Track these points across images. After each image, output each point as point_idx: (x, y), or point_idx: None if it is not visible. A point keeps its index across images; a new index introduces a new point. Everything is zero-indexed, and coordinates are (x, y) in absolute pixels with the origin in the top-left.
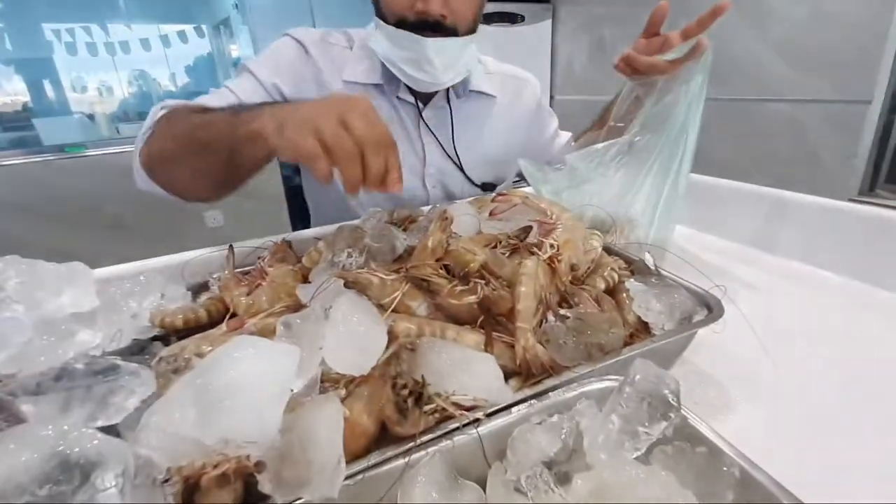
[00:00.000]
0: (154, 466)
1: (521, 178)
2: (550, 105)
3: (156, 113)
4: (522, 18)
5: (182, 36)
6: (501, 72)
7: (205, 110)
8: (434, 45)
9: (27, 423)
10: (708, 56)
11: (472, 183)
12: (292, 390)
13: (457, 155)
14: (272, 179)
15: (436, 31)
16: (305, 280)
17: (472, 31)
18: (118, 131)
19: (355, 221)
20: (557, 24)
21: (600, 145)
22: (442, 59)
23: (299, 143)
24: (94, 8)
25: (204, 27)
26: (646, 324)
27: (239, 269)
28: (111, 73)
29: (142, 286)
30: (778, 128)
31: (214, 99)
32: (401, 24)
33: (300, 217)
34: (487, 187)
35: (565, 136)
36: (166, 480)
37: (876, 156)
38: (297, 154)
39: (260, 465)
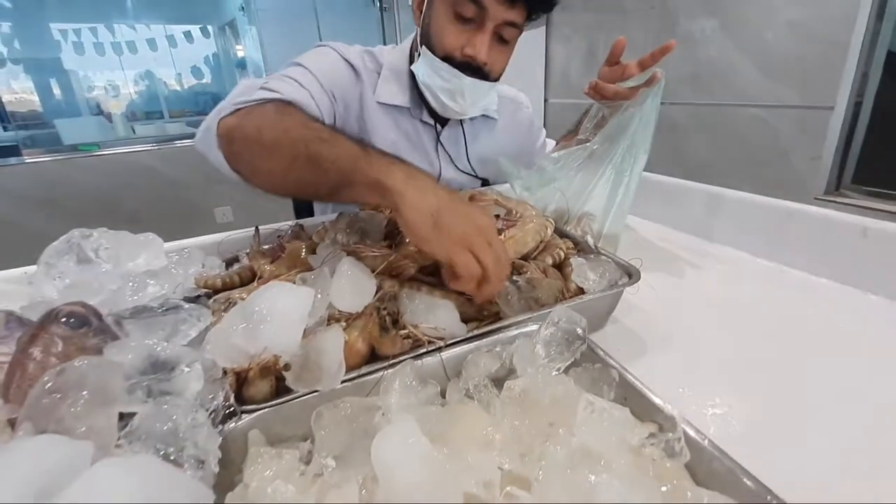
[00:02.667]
0: (216, 367)
1: None
2: (544, 108)
3: (251, 89)
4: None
5: (188, 36)
6: (502, 95)
7: (325, 124)
8: (471, 83)
9: (123, 339)
10: (661, 85)
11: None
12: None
13: (471, 167)
14: None
15: (476, 74)
16: (314, 253)
17: (497, 79)
18: (134, 131)
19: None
20: (552, 30)
21: (565, 151)
22: (472, 96)
23: (456, 257)
24: (101, 8)
25: (210, 28)
26: (582, 290)
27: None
28: (118, 73)
29: (186, 258)
30: (752, 131)
31: (284, 87)
32: (446, 59)
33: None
34: (484, 183)
35: (550, 143)
36: (224, 375)
37: (841, 158)
38: (450, 261)
39: (287, 366)
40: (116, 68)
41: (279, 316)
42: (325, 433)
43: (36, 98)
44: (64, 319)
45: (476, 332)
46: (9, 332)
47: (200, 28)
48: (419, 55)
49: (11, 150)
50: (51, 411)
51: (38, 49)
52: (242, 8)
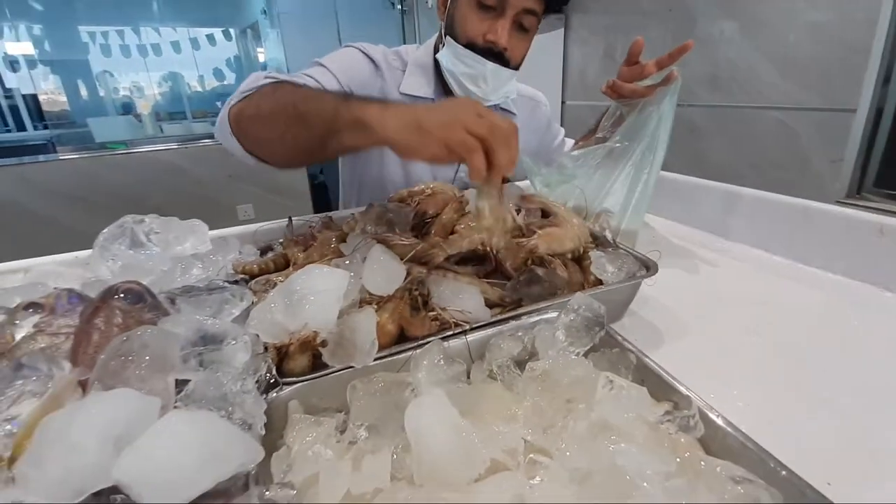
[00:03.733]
0: (259, 342)
1: None
2: (562, 110)
3: (257, 78)
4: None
5: (211, 39)
6: (521, 93)
7: (311, 88)
8: (493, 68)
9: (174, 315)
10: (678, 84)
11: None
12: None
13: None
14: (298, 177)
15: (498, 59)
16: (344, 242)
17: (517, 68)
18: (162, 130)
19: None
20: (569, 32)
21: (585, 149)
22: (494, 82)
23: (452, 139)
24: (127, 11)
25: (232, 31)
26: (601, 282)
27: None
28: (143, 74)
29: (224, 246)
30: (771, 134)
31: (295, 79)
32: (469, 46)
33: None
34: (504, 180)
35: (569, 142)
36: (265, 350)
37: (863, 161)
38: (450, 150)
39: (324, 343)
40: (141, 70)
41: (317, 295)
42: (360, 405)
43: (64, 98)
44: (122, 295)
45: (499, 317)
46: (72, 306)
47: (223, 31)
48: (443, 45)
49: (46, 148)
50: (118, 373)
51: (67, 51)
52: (264, 11)
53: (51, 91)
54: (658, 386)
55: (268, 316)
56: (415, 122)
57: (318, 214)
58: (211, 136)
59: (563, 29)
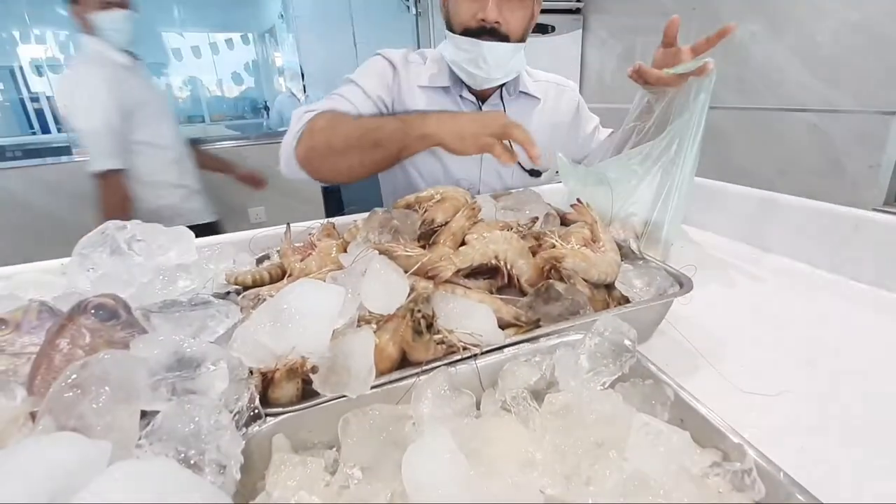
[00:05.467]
0: (242, 367)
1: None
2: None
3: (301, 115)
4: (553, 29)
5: (229, 43)
6: (546, 79)
7: (363, 117)
8: (488, 46)
9: (150, 333)
10: (712, 77)
11: (522, 168)
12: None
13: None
14: (312, 186)
15: (492, 36)
16: (345, 251)
17: (521, 40)
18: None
19: (383, 209)
20: (587, 34)
21: (621, 155)
22: (494, 59)
23: (481, 144)
24: (150, 16)
25: (250, 35)
26: (627, 299)
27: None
28: (163, 78)
29: (217, 254)
30: (802, 138)
31: (339, 104)
32: (465, 32)
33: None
34: (534, 174)
35: (605, 131)
36: (250, 374)
37: None
38: (477, 149)
39: (315, 369)
40: (163, 74)
41: (308, 315)
42: (353, 442)
43: None
44: (93, 311)
45: (514, 339)
46: (40, 322)
47: (241, 36)
48: (445, 40)
49: (64, 150)
50: (72, 406)
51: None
52: (282, 15)
53: None
54: (701, 429)
55: (253, 337)
56: (456, 132)
57: (320, 220)
58: (227, 139)
59: (580, 31)
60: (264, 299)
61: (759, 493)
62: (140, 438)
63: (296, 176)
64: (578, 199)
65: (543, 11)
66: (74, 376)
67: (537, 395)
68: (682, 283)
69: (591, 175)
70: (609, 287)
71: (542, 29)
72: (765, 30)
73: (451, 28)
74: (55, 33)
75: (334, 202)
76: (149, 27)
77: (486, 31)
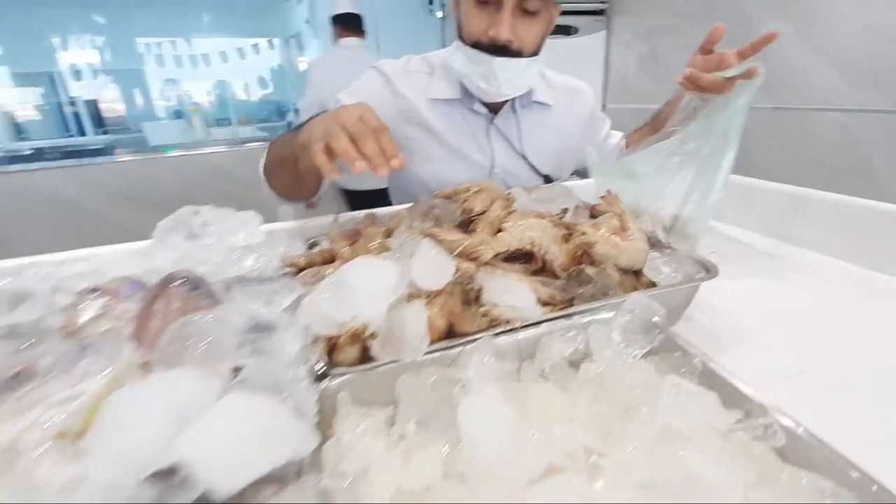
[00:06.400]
0: (309, 333)
1: (573, 175)
2: (602, 112)
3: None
4: (576, 30)
5: (255, 49)
6: (559, 84)
7: (288, 132)
8: (499, 63)
9: (228, 302)
10: (759, 80)
11: (538, 174)
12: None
13: (526, 154)
14: (334, 183)
15: (503, 53)
16: (389, 237)
17: (534, 53)
18: (210, 134)
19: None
20: (611, 35)
21: (651, 146)
22: (505, 75)
23: (313, 152)
24: (181, 23)
25: (275, 41)
26: (655, 284)
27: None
28: (192, 83)
29: (273, 239)
30: (830, 138)
31: None
32: (476, 45)
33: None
34: (547, 180)
35: (617, 135)
36: (315, 340)
37: None
38: (313, 163)
39: (374, 335)
40: (191, 78)
41: (367, 287)
42: (409, 399)
43: (122, 104)
44: (180, 282)
45: (550, 315)
46: (132, 292)
47: (267, 41)
48: (456, 50)
49: (104, 151)
50: (177, 356)
51: (125, 60)
52: (308, 21)
53: (110, 98)
54: (728, 394)
55: (318, 307)
56: (310, 136)
57: (363, 211)
58: (255, 140)
59: (604, 32)
60: (324, 276)
61: (779, 441)
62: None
63: (267, 191)
64: (608, 190)
65: (566, 13)
66: (178, 332)
67: (573, 365)
68: (709, 269)
69: (620, 169)
70: (637, 273)
71: (565, 30)
72: (792, 30)
73: (461, 35)
74: (91, 39)
75: (358, 206)
76: (180, 32)
77: (497, 49)
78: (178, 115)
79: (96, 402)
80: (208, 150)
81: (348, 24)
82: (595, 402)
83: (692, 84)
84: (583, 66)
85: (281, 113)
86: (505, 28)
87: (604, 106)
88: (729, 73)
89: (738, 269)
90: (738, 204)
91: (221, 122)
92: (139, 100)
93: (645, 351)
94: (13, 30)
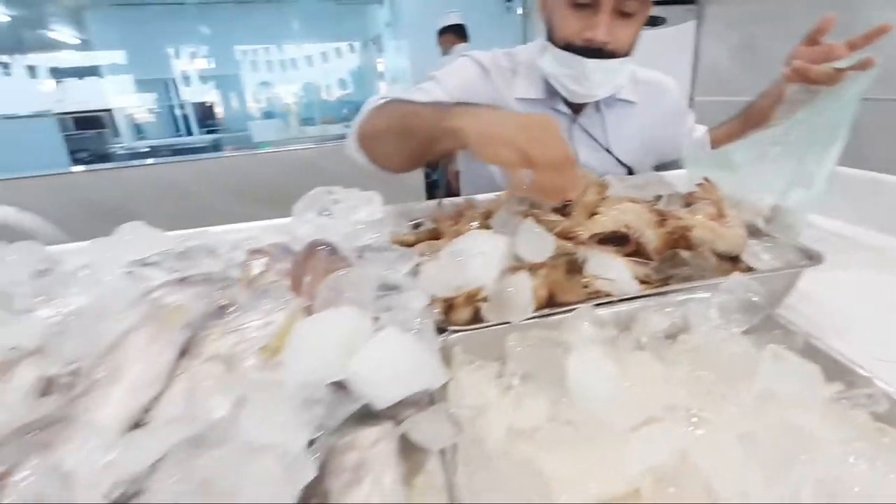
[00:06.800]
0: (428, 295)
1: (656, 169)
2: (690, 106)
3: (374, 102)
4: (664, 21)
5: (338, 52)
6: (645, 80)
7: (413, 102)
8: (593, 65)
9: (359, 266)
10: (873, 72)
11: (623, 167)
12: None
13: (612, 152)
14: (415, 173)
15: (598, 55)
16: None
17: (627, 54)
18: (303, 132)
19: None
20: (703, 24)
21: (749, 137)
22: (598, 77)
23: (500, 156)
24: (274, 31)
25: (355, 44)
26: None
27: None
28: (282, 86)
29: (382, 220)
30: None
31: (416, 95)
32: (567, 46)
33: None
34: (629, 173)
35: (701, 129)
36: (432, 302)
37: None
38: (496, 162)
39: (486, 298)
40: (281, 81)
41: (480, 256)
42: (516, 356)
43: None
44: (322, 247)
45: (649, 291)
46: (283, 255)
47: (349, 44)
48: (544, 51)
49: (202, 149)
50: (333, 302)
51: (225, 67)
52: (388, 23)
53: (212, 101)
54: (830, 368)
55: (437, 272)
56: (481, 131)
57: (461, 198)
58: (338, 139)
59: (694, 22)
60: (438, 249)
61: (881, 407)
62: None
63: (356, 156)
64: (705, 178)
65: (655, 3)
66: (334, 283)
67: (669, 338)
68: (812, 257)
69: (715, 159)
70: (735, 259)
71: (653, 21)
72: None
73: (552, 37)
74: (199, 49)
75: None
76: (273, 39)
77: (591, 50)
78: (268, 115)
79: (284, 329)
80: (299, 146)
81: (459, 32)
82: (693, 369)
83: (800, 76)
84: (669, 57)
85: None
86: (602, 29)
87: (691, 99)
88: (840, 65)
89: (843, 260)
90: (846, 197)
91: (307, 121)
92: (235, 102)
93: (743, 329)
94: (138, 41)
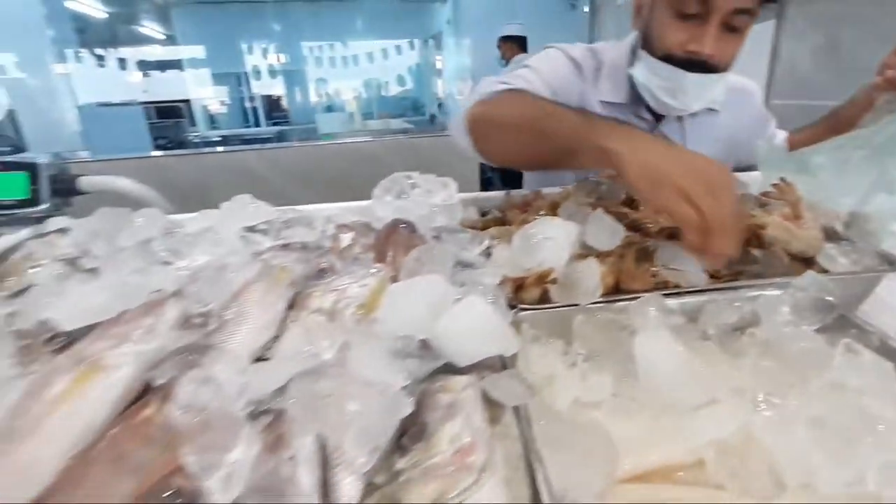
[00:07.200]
0: (499, 274)
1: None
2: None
3: (491, 83)
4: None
5: (398, 49)
6: (729, 86)
7: (548, 100)
8: (693, 78)
9: (436, 243)
10: None
11: None
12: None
13: None
14: (469, 170)
15: (700, 68)
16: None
17: (727, 70)
18: (365, 126)
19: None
20: (783, 24)
21: (835, 140)
22: (695, 91)
23: (671, 207)
24: (339, 28)
25: (416, 41)
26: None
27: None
28: (343, 81)
29: (455, 205)
30: None
31: (515, 81)
32: (667, 57)
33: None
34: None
35: (781, 134)
36: (503, 281)
37: None
38: (666, 211)
39: (555, 280)
40: (342, 77)
41: (552, 240)
42: (583, 335)
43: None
44: (403, 226)
45: (718, 285)
46: (366, 231)
47: (408, 41)
48: (637, 59)
49: (268, 139)
50: (415, 273)
51: (292, 62)
52: (449, 21)
53: (278, 94)
54: None
55: (509, 254)
56: (651, 171)
57: (524, 191)
58: (400, 133)
59: (773, 21)
60: (510, 233)
61: None
62: None
63: (460, 140)
64: (782, 178)
65: None
66: (419, 255)
67: (737, 331)
68: (893, 262)
69: (792, 161)
70: (809, 261)
71: None
72: None
73: (649, 46)
74: (269, 45)
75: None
76: (338, 36)
77: (693, 63)
78: (328, 109)
79: (376, 291)
80: (362, 139)
81: (520, 43)
82: (761, 360)
83: (893, 86)
84: (744, 57)
85: (416, 108)
86: (709, 42)
87: (767, 102)
88: None
89: None
90: None
91: (366, 115)
92: (300, 96)
93: (816, 327)
94: (216, 37)
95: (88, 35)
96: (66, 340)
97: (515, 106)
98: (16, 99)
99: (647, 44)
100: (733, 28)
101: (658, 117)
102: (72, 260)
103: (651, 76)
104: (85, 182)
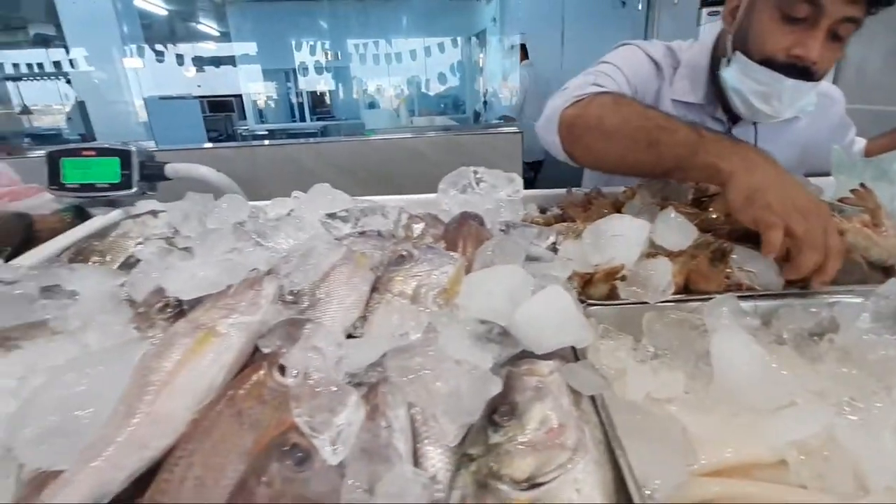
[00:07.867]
0: (568, 268)
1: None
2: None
3: (585, 84)
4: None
5: (441, 47)
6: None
7: (659, 111)
8: (792, 84)
9: (504, 237)
10: None
11: None
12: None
13: None
14: (515, 166)
15: (800, 74)
16: (618, 210)
17: (822, 77)
18: (412, 122)
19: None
20: None
21: None
22: (791, 98)
23: (765, 228)
24: (385, 26)
25: (458, 39)
26: None
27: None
28: (385, 78)
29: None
30: None
31: (604, 81)
32: (767, 61)
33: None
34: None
35: (861, 142)
36: (570, 277)
37: None
38: (760, 229)
39: (624, 277)
40: (386, 74)
41: (623, 237)
42: (654, 332)
43: (330, 96)
44: (472, 217)
45: (793, 290)
46: (435, 222)
47: (451, 39)
48: (729, 60)
49: (313, 133)
50: (488, 263)
51: (338, 59)
52: (495, 19)
53: (324, 90)
54: None
55: (578, 249)
56: (752, 192)
57: (585, 189)
58: (443, 130)
59: None
60: (575, 230)
61: None
62: None
63: (547, 137)
64: (862, 184)
65: None
66: (493, 245)
67: (812, 336)
68: None
69: (869, 167)
70: (888, 270)
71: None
72: None
73: (745, 48)
74: (314, 42)
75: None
76: (383, 34)
77: (795, 68)
78: (371, 105)
79: (454, 277)
80: (406, 135)
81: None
82: (840, 366)
83: None
84: None
85: (457, 105)
86: (817, 48)
87: None
88: None
89: None
90: None
91: (409, 112)
92: (343, 92)
93: None
94: (267, 34)
95: (151, 31)
96: (178, 309)
97: (619, 113)
98: (85, 91)
99: (743, 45)
100: (837, 36)
101: (734, 119)
102: (168, 238)
103: (745, 79)
104: (170, 169)
